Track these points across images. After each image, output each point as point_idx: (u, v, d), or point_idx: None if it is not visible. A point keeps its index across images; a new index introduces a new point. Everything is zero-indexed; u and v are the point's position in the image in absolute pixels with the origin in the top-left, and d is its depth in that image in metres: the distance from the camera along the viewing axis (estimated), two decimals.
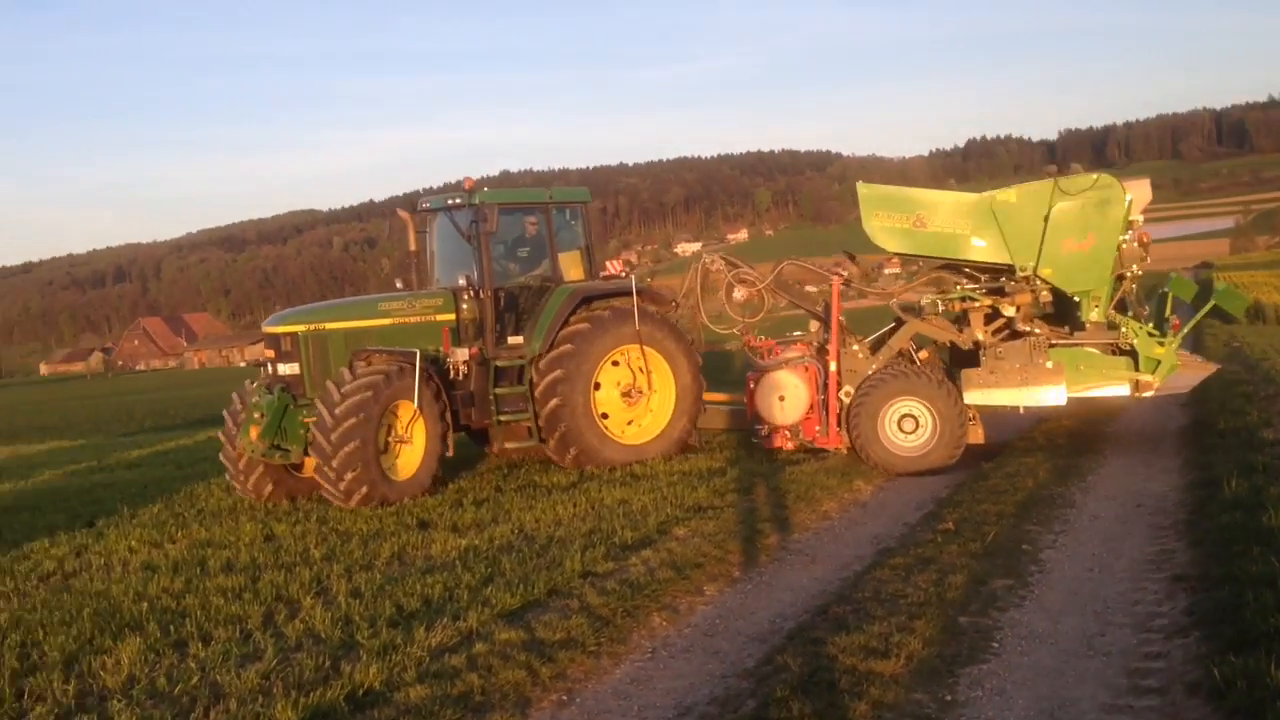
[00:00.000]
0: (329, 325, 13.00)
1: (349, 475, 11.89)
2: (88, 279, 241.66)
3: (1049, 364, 12.95)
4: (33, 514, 14.25)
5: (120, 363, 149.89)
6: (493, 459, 15.20)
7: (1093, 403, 13.82)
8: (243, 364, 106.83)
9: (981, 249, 13.25)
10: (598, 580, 8.37)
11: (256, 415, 12.52)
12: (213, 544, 10.88)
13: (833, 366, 13.57)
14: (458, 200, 13.76)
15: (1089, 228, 12.82)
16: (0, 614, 8.62)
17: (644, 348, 14.04)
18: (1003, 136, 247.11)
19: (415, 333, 13.22)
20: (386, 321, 13.27)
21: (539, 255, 14.34)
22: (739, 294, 14.49)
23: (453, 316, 13.43)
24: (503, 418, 13.50)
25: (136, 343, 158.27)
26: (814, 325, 14.46)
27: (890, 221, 13.47)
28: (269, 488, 13.05)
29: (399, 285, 14.63)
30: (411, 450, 12.69)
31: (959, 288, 13.67)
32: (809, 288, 15.13)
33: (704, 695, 6.28)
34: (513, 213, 14.07)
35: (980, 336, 13.49)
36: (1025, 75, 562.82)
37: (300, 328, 12.88)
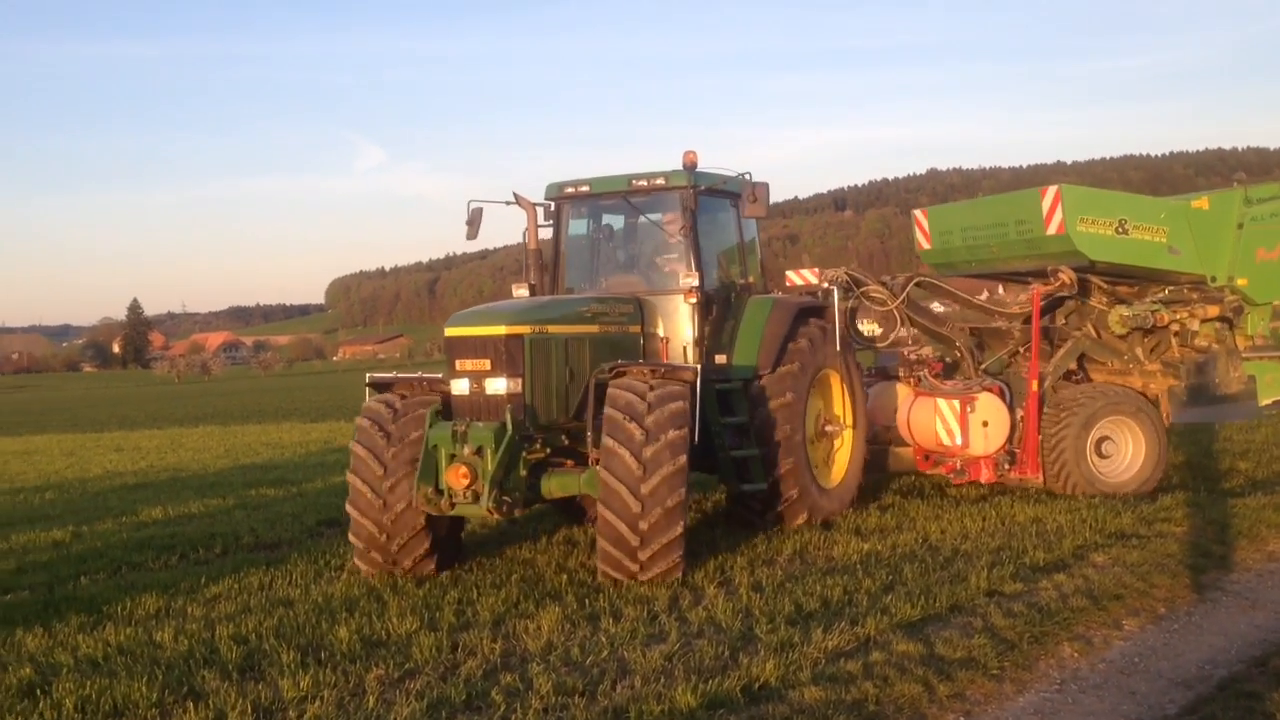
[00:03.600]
0: (552, 329, 9.65)
1: (659, 568, 8.73)
2: None
3: (1245, 376, 12.43)
4: None
5: None
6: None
7: None
8: None
9: (1177, 258, 12.40)
10: (1004, 600, 8.02)
11: (465, 451, 8.91)
12: None
13: (1035, 387, 12.25)
14: (660, 180, 10.88)
15: (1277, 237, 12.63)
16: (443, 573, 9.55)
17: (845, 375, 11.99)
18: None
19: (617, 344, 10.34)
20: (594, 329, 10.18)
21: (714, 255, 11.57)
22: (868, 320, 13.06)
23: (638, 328, 10.70)
24: (736, 453, 10.64)
25: None
26: (921, 350, 13.42)
27: (1094, 227, 12.19)
28: (422, 549, 9.41)
29: (520, 292, 11.19)
30: None
31: (1147, 301, 12.73)
32: (934, 306, 13.86)
33: None
34: (714, 199, 11.25)
35: (1140, 353, 12.85)
36: None
37: (525, 329, 9.36)
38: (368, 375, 10.18)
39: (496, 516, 9.14)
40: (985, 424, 12.17)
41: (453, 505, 8.99)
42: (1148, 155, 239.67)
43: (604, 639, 7.36)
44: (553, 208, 11.43)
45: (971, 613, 7.74)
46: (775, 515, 10.90)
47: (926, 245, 14.30)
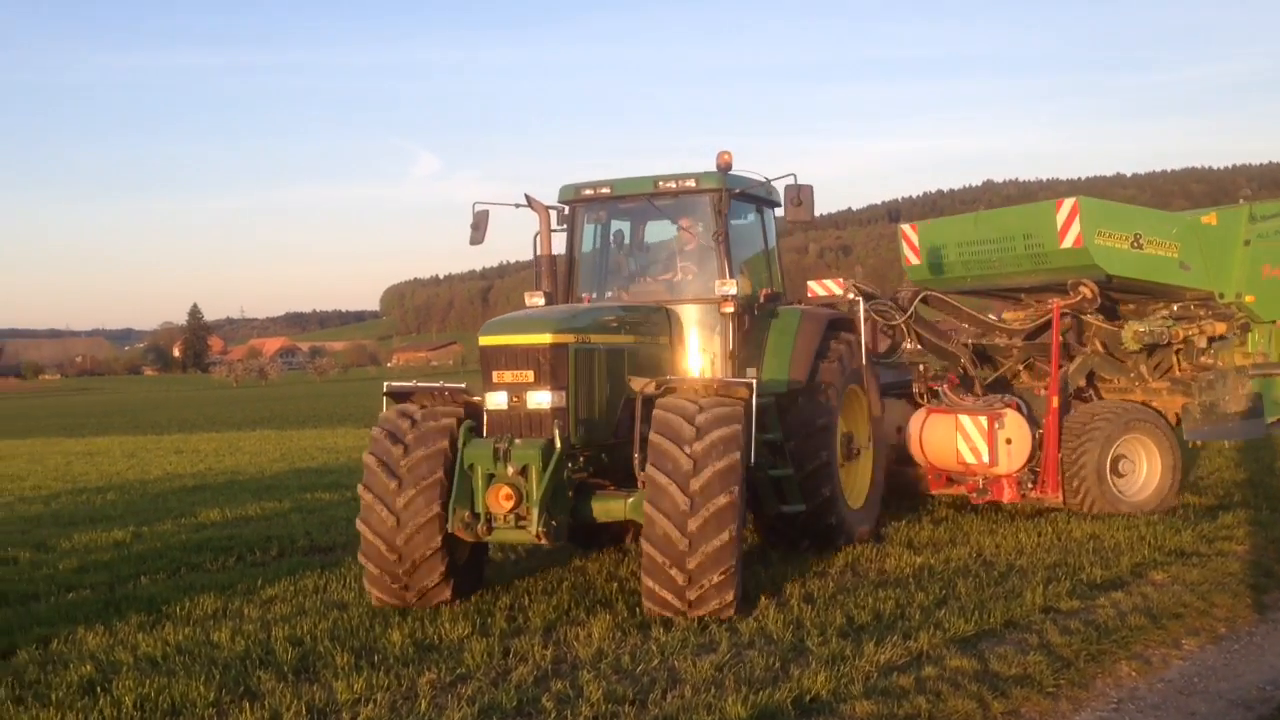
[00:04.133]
0: (594, 338, 9.04)
1: (711, 580, 7.89)
2: None
3: (1252, 393, 12.52)
4: None
5: None
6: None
7: None
8: None
9: (1188, 274, 12.23)
10: (1060, 617, 7.93)
11: (508, 471, 8.19)
12: None
13: (1055, 403, 11.88)
14: (690, 182, 10.18)
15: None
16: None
17: (867, 392, 11.38)
18: None
19: (651, 356, 9.76)
20: (631, 339, 9.56)
21: (739, 263, 10.64)
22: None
23: (667, 339, 10.04)
24: (773, 473, 9.81)
25: None
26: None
27: (1111, 241, 11.93)
28: (436, 575, 8.54)
29: (534, 301, 10.29)
30: None
31: (1158, 317, 12.54)
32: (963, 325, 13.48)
33: None
34: (741, 204, 10.58)
35: (1144, 370, 12.64)
36: None
37: (569, 338, 8.74)
38: (385, 384, 9.52)
39: (544, 543, 8.34)
40: (1009, 441, 11.82)
41: (490, 530, 8.34)
42: (1210, 168, 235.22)
43: (654, 648, 7.36)
44: (566, 211, 10.76)
45: (1027, 629, 7.66)
46: (816, 539, 10.38)
47: (916, 260, 13.93)
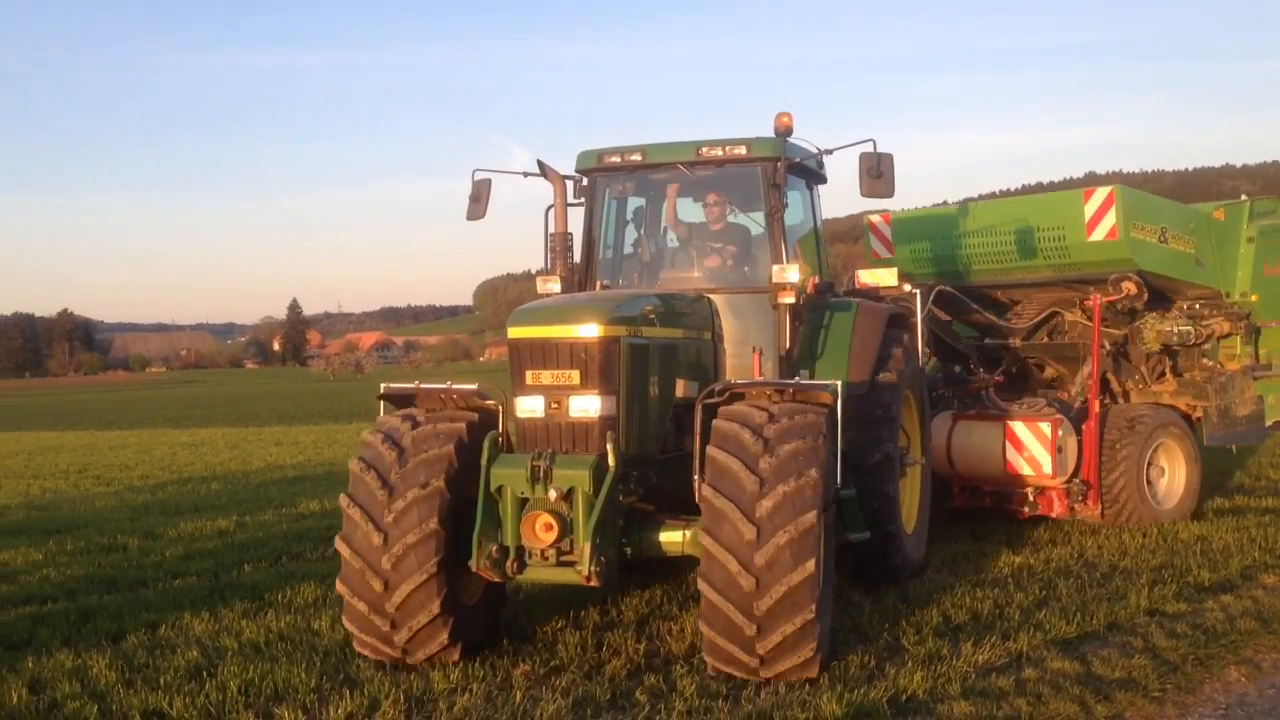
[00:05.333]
0: (646, 331, 7.41)
1: (787, 664, 6.43)
2: None
3: (1255, 396, 12.35)
4: None
5: None
6: None
7: None
8: None
9: (1200, 271, 11.80)
10: (1166, 620, 7.73)
11: (549, 495, 6.66)
12: None
13: (1097, 408, 11.05)
14: (740, 150, 8.69)
15: (1278, 253, 12.44)
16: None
17: (920, 398, 10.04)
18: None
19: (698, 353, 8.24)
20: (678, 333, 7.94)
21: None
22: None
23: (710, 334, 8.44)
24: (842, 493, 7.58)
25: None
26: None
27: (1143, 234, 11.33)
28: (439, 639, 6.98)
29: (549, 287, 8.76)
30: None
31: (1177, 317, 12.04)
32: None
33: None
34: (790, 177, 8.89)
35: (1145, 371, 12.38)
36: None
37: (621, 330, 7.14)
38: (382, 386, 7.97)
39: (593, 584, 6.76)
40: (1060, 450, 10.80)
41: (522, 568, 6.83)
42: None
43: None
44: (584, 181, 9.24)
45: (1131, 632, 7.48)
46: (881, 570, 8.89)
47: (886, 255, 12.99)
